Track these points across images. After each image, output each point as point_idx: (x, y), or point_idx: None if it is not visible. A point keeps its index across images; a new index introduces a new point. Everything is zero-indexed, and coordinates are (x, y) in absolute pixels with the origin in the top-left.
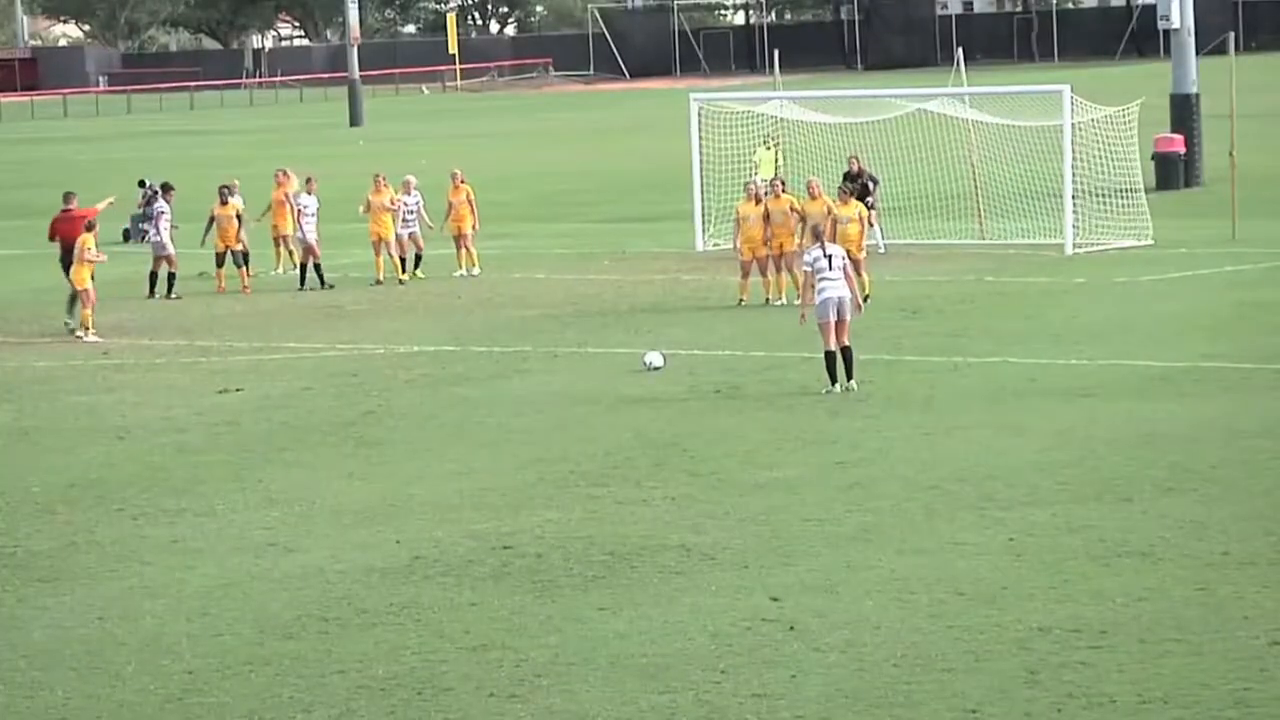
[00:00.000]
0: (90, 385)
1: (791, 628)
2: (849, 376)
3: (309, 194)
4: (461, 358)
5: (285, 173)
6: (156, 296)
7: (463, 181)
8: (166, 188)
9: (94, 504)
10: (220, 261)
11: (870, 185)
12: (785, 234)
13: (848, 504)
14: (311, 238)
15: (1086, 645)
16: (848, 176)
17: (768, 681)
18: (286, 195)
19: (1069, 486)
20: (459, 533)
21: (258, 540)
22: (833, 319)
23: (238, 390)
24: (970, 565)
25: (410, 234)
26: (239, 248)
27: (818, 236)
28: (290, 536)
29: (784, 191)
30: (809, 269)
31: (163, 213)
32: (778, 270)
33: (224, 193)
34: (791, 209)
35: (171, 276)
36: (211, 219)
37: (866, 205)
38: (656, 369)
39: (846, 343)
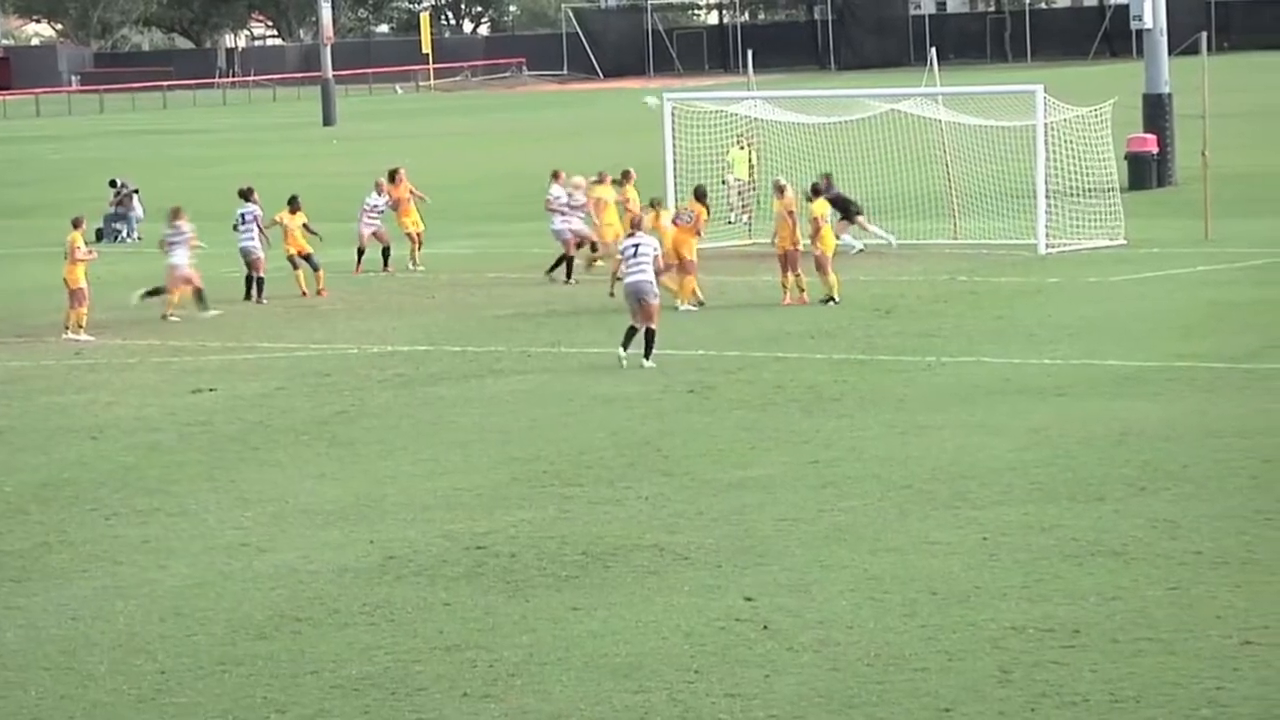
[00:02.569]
0: (63, 385)
1: (765, 627)
2: (647, 356)
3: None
4: (435, 357)
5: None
6: (254, 298)
7: (404, 178)
8: (248, 194)
9: (67, 504)
10: (295, 265)
11: (848, 206)
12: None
13: (821, 503)
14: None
15: (1059, 644)
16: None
17: (741, 681)
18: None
19: (1042, 486)
20: (432, 532)
21: (231, 540)
22: (634, 303)
23: (211, 390)
24: (943, 564)
25: (374, 232)
26: (309, 252)
27: (635, 226)
28: (263, 536)
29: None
30: (620, 256)
31: (254, 216)
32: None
33: (294, 203)
34: (789, 211)
35: (260, 281)
36: (272, 223)
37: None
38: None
39: (652, 326)
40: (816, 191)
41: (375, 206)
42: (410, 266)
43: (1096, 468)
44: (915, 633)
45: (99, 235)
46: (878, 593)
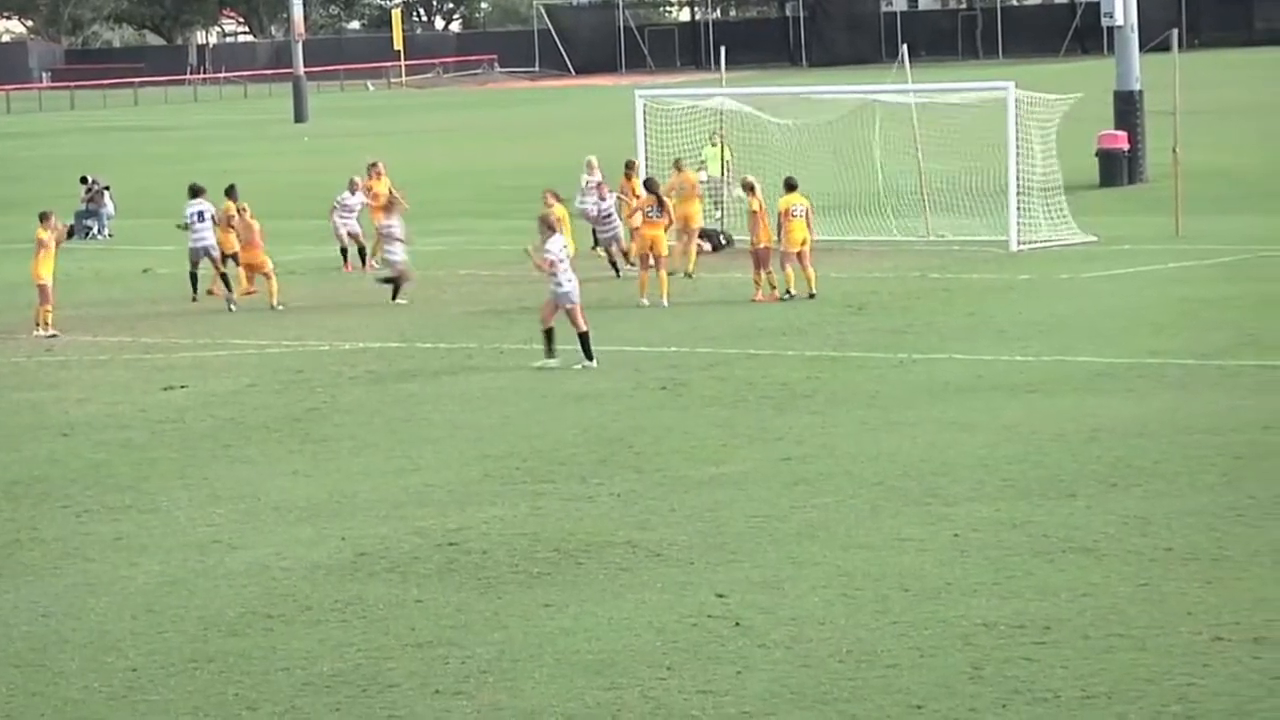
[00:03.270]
0: (34, 382)
1: (737, 624)
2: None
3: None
4: (407, 354)
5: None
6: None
7: (382, 173)
8: (201, 191)
9: (38, 501)
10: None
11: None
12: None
13: (793, 500)
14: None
15: (1031, 641)
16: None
17: (713, 678)
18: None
19: (1013, 482)
20: (404, 529)
21: (202, 537)
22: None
23: (182, 387)
24: (915, 561)
25: (349, 231)
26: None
27: (551, 227)
28: (235, 533)
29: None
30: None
31: (209, 213)
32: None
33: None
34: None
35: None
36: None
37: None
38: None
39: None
40: (790, 187)
41: (348, 205)
42: (377, 264)
43: (1068, 464)
44: (887, 629)
45: (70, 232)
46: (849, 589)
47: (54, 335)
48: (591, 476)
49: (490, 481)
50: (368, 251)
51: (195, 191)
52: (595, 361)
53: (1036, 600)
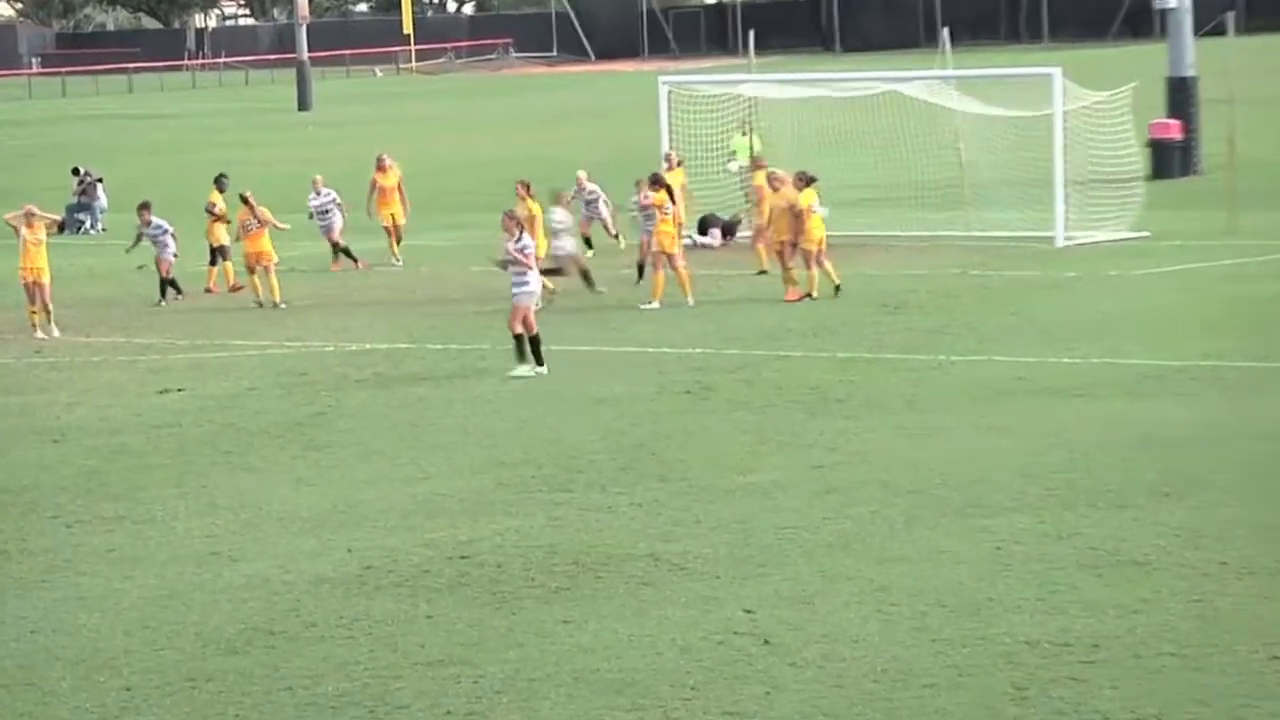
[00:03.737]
0: (23, 384)
1: (766, 641)
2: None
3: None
4: (416, 355)
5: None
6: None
7: (391, 166)
8: (149, 206)
9: (26, 511)
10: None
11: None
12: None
13: (825, 510)
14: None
15: (1077, 660)
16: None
17: (740, 698)
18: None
19: (1058, 492)
20: (413, 541)
21: (200, 549)
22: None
23: (179, 390)
24: (954, 575)
25: (336, 229)
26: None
27: (521, 225)
28: (234, 545)
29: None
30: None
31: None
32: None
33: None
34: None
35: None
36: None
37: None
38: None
39: (521, 332)
40: (806, 181)
41: (318, 207)
42: (391, 260)
43: (1117, 473)
44: (924, 647)
45: (61, 227)
46: (884, 605)
47: (43, 337)
48: (612, 485)
49: (504, 490)
50: (353, 250)
51: (145, 207)
52: (546, 368)
53: (1083, 617)
